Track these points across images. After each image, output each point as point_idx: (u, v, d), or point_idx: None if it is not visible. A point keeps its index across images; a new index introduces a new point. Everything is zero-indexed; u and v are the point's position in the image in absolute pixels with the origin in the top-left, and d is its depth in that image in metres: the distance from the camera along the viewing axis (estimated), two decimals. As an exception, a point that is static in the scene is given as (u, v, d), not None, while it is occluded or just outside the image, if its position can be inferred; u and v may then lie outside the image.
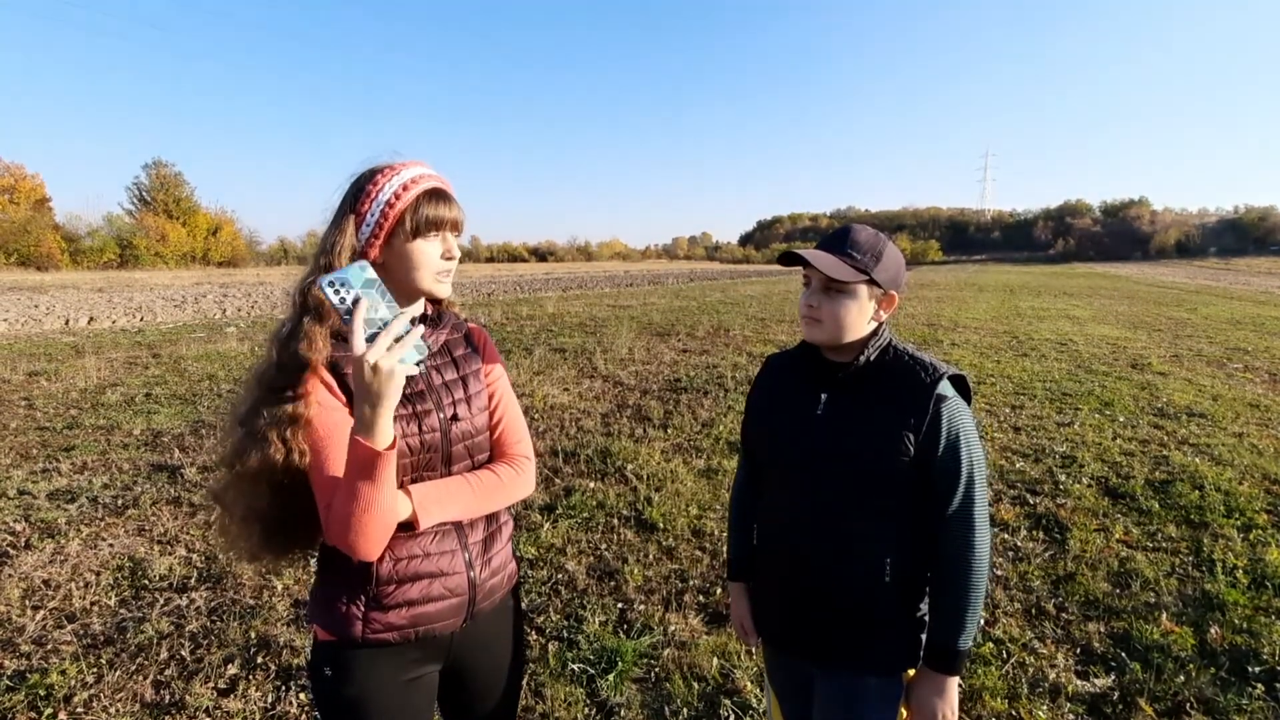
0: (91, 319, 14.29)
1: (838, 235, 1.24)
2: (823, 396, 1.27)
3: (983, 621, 2.75)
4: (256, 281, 33.94)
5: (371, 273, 0.96)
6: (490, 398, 1.25)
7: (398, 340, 0.94)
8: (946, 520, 1.20)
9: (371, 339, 0.93)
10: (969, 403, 1.25)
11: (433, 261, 1.12)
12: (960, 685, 2.26)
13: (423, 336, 1.11)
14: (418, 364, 0.98)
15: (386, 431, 0.95)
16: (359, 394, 0.93)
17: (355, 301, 0.94)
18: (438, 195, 1.11)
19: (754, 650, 2.54)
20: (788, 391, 1.35)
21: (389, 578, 1.10)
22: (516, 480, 1.22)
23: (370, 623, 1.10)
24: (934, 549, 1.23)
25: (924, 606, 1.28)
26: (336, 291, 0.94)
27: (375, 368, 0.90)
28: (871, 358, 1.25)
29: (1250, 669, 2.45)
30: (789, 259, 1.27)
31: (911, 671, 1.28)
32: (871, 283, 1.21)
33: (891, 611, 1.25)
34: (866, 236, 1.23)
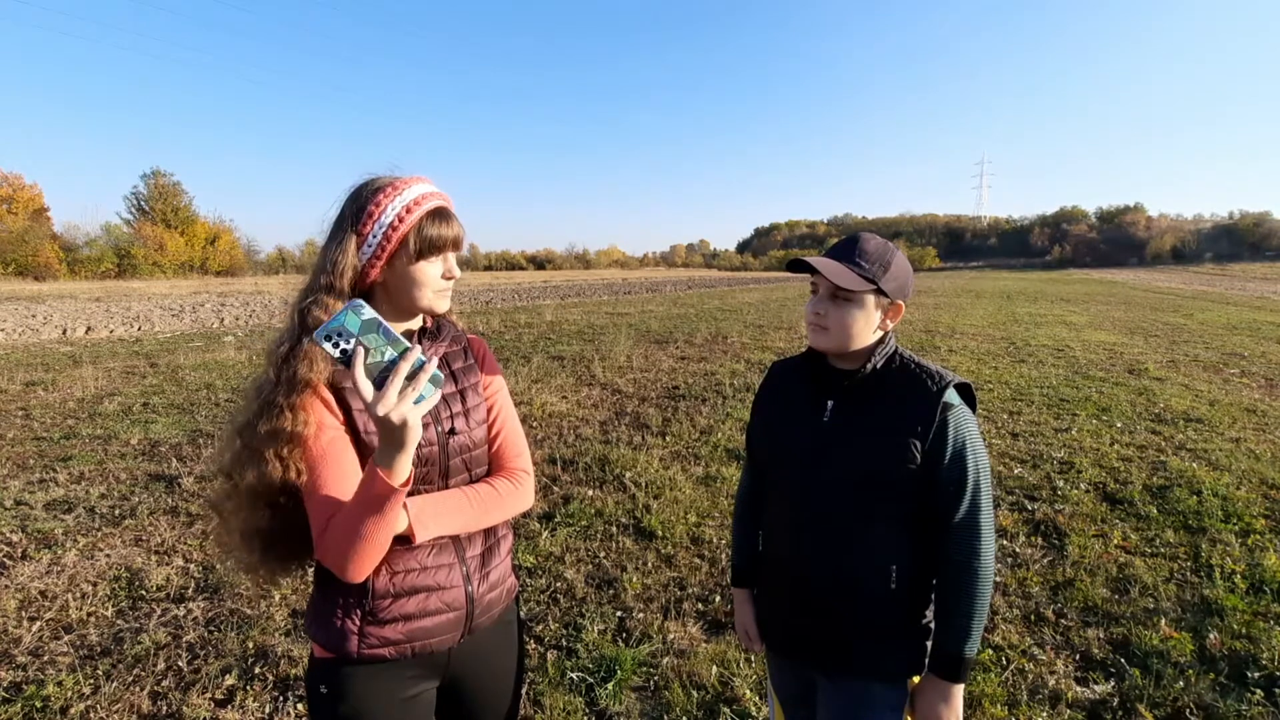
0: (89, 328, 14.26)
1: (846, 244, 1.24)
2: (829, 404, 1.27)
3: (982, 628, 2.75)
4: (254, 291, 33.89)
5: (368, 311, 0.86)
6: (489, 410, 1.24)
7: (410, 380, 0.86)
8: (952, 528, 1.20)
9: (381, 383, 0.85)
10: (974, 411, 1.25)
11: (434, 281, 1.11)
12: (960, 692, 2.26)
13: (439, 368, 1.07)
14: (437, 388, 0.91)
15: (405, 468, 0.92)
16: (380, 438, 0.90)
17: (357, 348, 0.85)
18: (440, 215, 1.10)
19: (753, 658, 2.54)
20: (793, 398, 1.35)
21: (385, 591, 1.08)
22: (515, 494, 1.20)
23: (366, 637, 1.08)
24: (940, 556, 1.23)
25: (929, 614, 1.28)
26: (336, 344, 0.85)
27: (388, 419, 0.85)
28: (878, 366, 1.25)
29: (1249, 674, 2.45)
30: (797, 266, 1.27)
31: (916, 679, 1.28)
32: (879, 292, 1.21)
33: (897, 618, 1.25)
34: (875, 246, 1.23)
